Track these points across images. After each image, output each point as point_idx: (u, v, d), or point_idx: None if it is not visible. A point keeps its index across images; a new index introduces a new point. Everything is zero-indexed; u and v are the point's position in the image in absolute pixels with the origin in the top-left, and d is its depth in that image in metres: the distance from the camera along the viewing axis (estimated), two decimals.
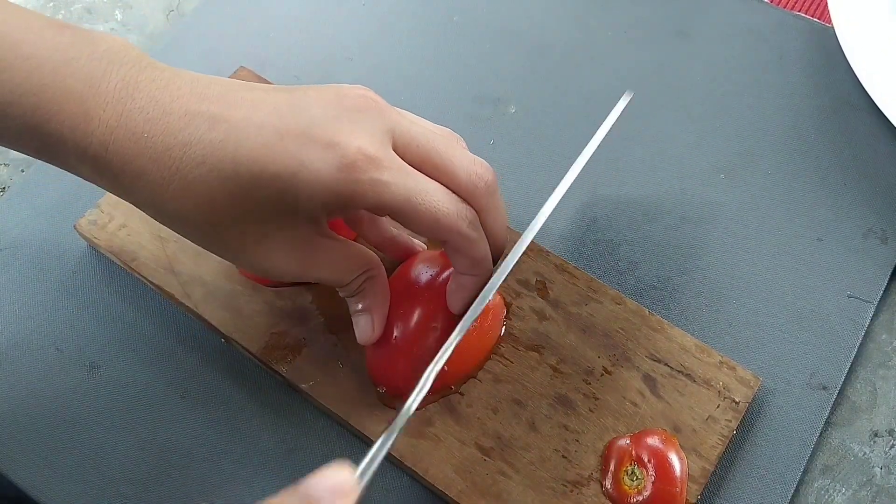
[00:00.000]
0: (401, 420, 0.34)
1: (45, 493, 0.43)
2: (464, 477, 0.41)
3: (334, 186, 0.34)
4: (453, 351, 0.39)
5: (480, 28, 0.58)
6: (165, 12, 0.61)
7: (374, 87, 0.55)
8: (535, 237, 0.48)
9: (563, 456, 0.41)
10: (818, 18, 0.59)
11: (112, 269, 0.49)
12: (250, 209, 0.34)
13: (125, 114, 0.33)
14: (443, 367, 0.41)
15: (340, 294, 0.41)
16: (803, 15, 0.59)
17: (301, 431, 0.44)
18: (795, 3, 0.60)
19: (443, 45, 0.58)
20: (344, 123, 0.34)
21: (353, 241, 0.41)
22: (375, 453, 0.32)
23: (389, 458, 0.42)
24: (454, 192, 0.37)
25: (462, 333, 0.37)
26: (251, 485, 0.43)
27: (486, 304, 0.40)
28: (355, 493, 0.29)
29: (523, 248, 0.39)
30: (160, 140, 0.33)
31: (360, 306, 0.41)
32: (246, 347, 0.45)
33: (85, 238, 0.48)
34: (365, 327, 0.41)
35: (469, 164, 0.38)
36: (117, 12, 0.61)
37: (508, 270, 0.39)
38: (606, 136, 0.43)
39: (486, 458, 0.41)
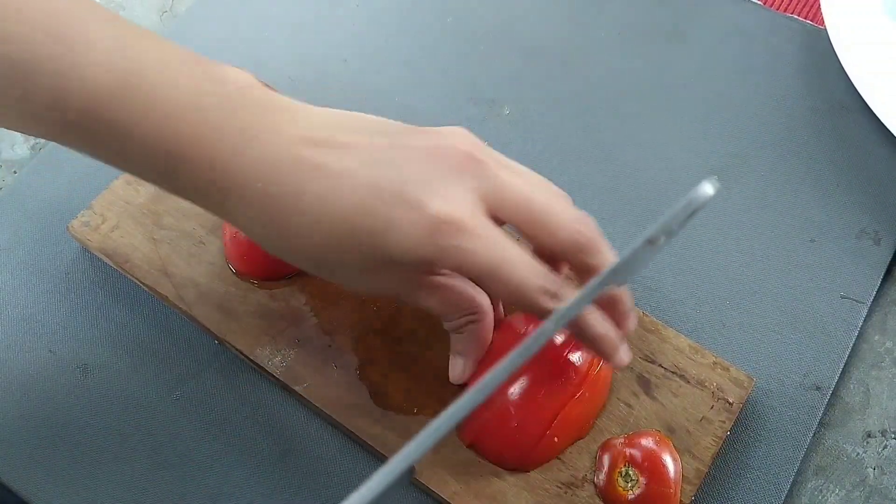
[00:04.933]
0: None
1: (37, 496, 0.42)
2: (458, 478, 0.41)
3: (421, 249, 0.34)
4: (561, 420, 0.40)
5: (475, 29, 0.58)
6: (159, 13, 0.61)
7: (368, 88, 0.56)
8: None
9: (558, 457, 0.41)
10: (811, 20, 0.59)
11: (105, 270, 0.48)
12: (348, 258, 0.35)
13: (245, 163, 0.34)
14: (553, 439, 0.40)
15: (445, 327, 0.41)
16: (796, 17, 0.59)
17: (295, 433, 0.44)
18: (788, 4, 0.60)
19: (437, 46, 0.58)
20: (436, 185, 0.34)
21: None
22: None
23: (383, 458, 0.42)
24: (553, 251, 0.36)
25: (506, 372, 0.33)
26: (245, 487, 0.42)
27: (600, 370, 0.41)
28: None
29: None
30: (270, 189, 0.35)
31: (457, 347, 0.42)
32: (239, 349, 0.45)
33: (77, 240, 0.48)
34: (456, 368, 0.42)
35: (571, 220, 0.36)
36: None
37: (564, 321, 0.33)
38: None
39: (481, 460, 0.41)
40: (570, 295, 0.35)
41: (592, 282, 0.34)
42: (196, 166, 0.35)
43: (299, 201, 0.34)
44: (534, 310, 0.36)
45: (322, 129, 0.36)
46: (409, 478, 0.31)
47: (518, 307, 0.37)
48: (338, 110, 0.37)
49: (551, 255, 0.37)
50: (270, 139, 0.35)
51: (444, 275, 0.39)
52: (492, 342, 0.42)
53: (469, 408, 0.31)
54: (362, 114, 0.38)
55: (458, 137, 0.36)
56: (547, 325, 0.33)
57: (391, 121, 0.38)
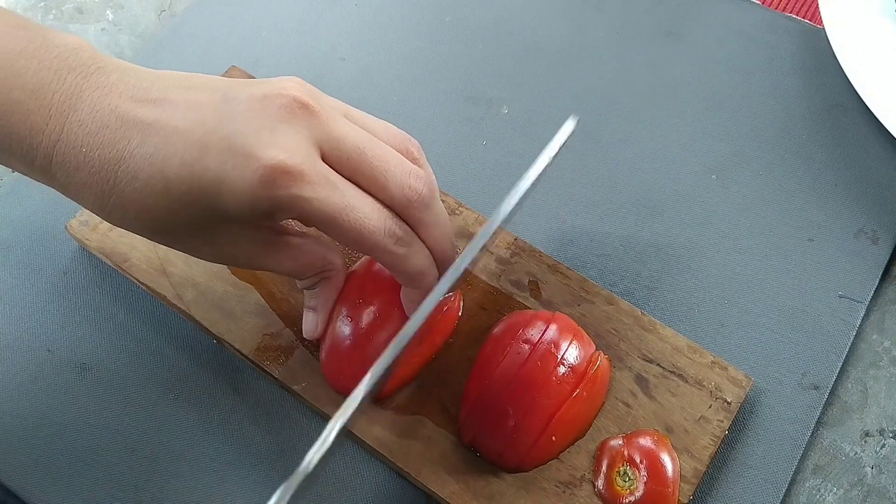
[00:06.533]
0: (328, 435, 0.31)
1: (34, 495, 0.42)
2: (456, 478, 0.41)
3: (255, 201, 0.33)
4: (559, 419, 0.40)
5: (472, 28, 0.58)
6: (157, 12, 0.61)
7: (366, 87, 0.56)
8: (524, 235, 0.48)
9: (556, 456, 0.41)
10: (809, 20, 0.59)
11: (103, 270, 0.48)
12: (188, 220, 0.35)
13: (67, 127, 0.33)
14: (551, 439, 0.40)
15: (297, 285, 0.42)
16: (794, 16, 0.59)
17: (293, 433, 0.44)
18: (787, 4, 0.60)
19: (435, 45, 0.58)
20: (264, 134, 0.33)
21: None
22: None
23: (382, 458, 0.42)
24: (386, 205, 0.36)
25: (410, 335, 0.34)
26: (243, 486, 0.42)
27: (597, 370, 0.41)
28: None
29: (472, 255, 0.36)
30: (97, 154, 0.33)
31: (311, 303, 0.42)
32: (238, 349, 0.44)
33: (76, 239, 0.48)
34: (309, 323, 0.42)
35: (403, 176, 0.36)
36: (108, 12, 0.61)
37: (460, 273, 0.36)
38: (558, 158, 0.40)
39: (479, 459, 0.41)
40: (416, 240, 0.37)
41: (486, 225, 0.36)
42: (15, 132, 0.33)
43: (128, 164, 0.33)
44: (382, 255, 0.36)
45: (151, 88, 0.34)
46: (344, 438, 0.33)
47: (366, 253, 0.37)
48: (170, 71, 0.36)
49: (386, 206, 0.37)
50: (95, 101, 0.33)
51: (291, 234, 0.39)
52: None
53: (385, 369, 0.32)
54: (196, 73, 0.37)
55: (290, 84, 0.35)
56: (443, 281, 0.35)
57: (225, 77, 0.37)
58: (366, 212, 0.35)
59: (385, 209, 0.36)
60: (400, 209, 0.36)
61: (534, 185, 0.37)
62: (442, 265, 0.39)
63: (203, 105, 0.34)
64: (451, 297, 0.45)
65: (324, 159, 0.35)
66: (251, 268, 0.40)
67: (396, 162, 0.36)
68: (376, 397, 0.43)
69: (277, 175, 0.33)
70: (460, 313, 0.45)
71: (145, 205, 0.34)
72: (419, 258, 0.37)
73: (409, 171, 0.36)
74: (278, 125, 0.33)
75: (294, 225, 0.41)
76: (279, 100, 0.34)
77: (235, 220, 0.35)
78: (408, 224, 0.37)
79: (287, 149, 0.33)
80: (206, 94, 0.35)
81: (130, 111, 0.33)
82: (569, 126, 0.39)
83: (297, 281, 0.42)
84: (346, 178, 0.35)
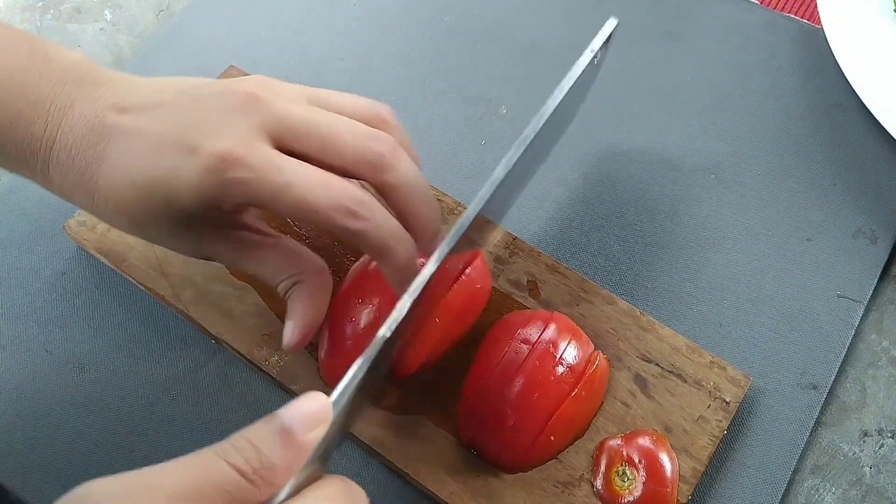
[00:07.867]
0: (374, 347, 0.30)
1: (33, 495, 0.42)
2: (455, 478, 0.41)
3: (201, 189, 0.34)
4: (557, 419, 0.40)
5: (471, 28, 0.58)
6: (155, 12, 0.61)
7: (365, 87, 0.56)
8: (522, 235, 0.48)
9: (555, 456, 0.41)
10: (808, 19, 0.59)
11: (102, 270, 0.48)
12: (154, 214, 0.36)
13: (60, 133, 0.36)
14: (549, 438, 0.40)
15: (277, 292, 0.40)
16: (793, 16, 0.59)
17: None
18: (785, 4, 0.60)
19: (434, 45, 0.58)
20: (213, 126, 0.35)
21: None
22: (349, 382, 0.30)
23: (381, 459, 0.42)
24: (347, 173, 0.36)
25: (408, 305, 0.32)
26: None
27: (595, 370, 0.41)
28: (328, 421, 0.29)
29: (473, 214, 0.35)
30: (82, 156, 0.36)
31: (288, 310, 0.39)
32: (236, 349, 0.44)
33: (74, 239, 0.48)
34: (286, 332, 0.39)
35: (356, 139, 0.36)
36: (107, 12, 0.61)
37: (450, 246, 0.34)
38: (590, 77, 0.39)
39: (478, 459, 0.41)
40: (377, 211, 0.36)
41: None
42: (19, 139, 0.36)
43: (102, 166, 0.36)
44: (337, 230, 0.35)
45: (132, 95, 0.37)
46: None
47: (323, 229, 0.37)
48: (163, 77, 0.38)
49: (349, 177, 0.36)
50: (85, 109, 0.36)
51: (265, 233, 0.39)
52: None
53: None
54: (182, 77, 0.38)
55: (246, 81, 0.37)
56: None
57: (203, 79, 0.38)
58: (309, 187, 0.34)
59: (340, 182, 0.35)
60: (359, 174, 0.36)
61: (561, 105, 0.37)
62: (418, 229, 0.38)
63: (165, 106, 0.36)
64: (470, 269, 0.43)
65: (277, 144, 0.36)
66: (227, 265, 0.41)
67: (347, 128, 0.36)
68: (398, 376, 0.42)
69: (218, 162, 0.34)
70: (490, 292, 0.45)
71: (120, 203, 0.36)
72: (382, 230, 0.36)
73: (362, 134, 0.36)
74: (225, 118, 0.35)
75: (262, 225, 0.40)
76: (232, 96, 0.36)
77: (190, 212, 0.35)
78: (374, 190, 0.37)
79: (230, 137, 0.34)
80: (171, 96, 0.37)
81: (109, 117, 0.36)
82: (609, 26, 0.39)
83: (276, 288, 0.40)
84: (299, 156, 0.36)
